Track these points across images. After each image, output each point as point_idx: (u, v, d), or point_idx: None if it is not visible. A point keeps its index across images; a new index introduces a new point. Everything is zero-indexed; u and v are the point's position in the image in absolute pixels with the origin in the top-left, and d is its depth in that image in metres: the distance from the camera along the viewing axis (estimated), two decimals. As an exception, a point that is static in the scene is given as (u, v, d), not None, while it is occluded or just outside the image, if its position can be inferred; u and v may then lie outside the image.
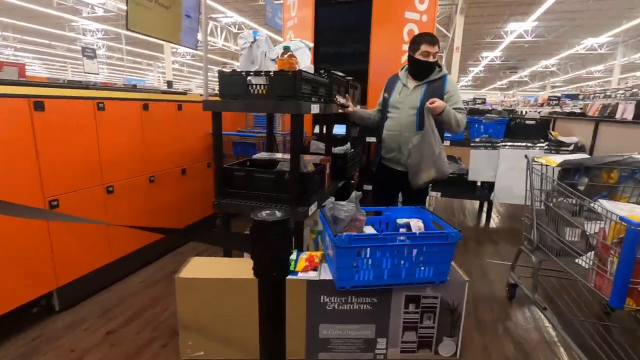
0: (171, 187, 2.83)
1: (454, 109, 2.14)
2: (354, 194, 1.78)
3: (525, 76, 24.29)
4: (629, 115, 6.45)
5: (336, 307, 1.64)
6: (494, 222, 4.03)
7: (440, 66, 2.19)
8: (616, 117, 6.76)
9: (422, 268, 1.58)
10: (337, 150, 2.74)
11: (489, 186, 3.86)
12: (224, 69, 2.11)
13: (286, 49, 1.93)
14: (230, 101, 1.92)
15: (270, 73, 1.83)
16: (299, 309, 1.65)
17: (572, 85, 24.85)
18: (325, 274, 1.66)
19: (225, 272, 1.66)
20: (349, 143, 2.88)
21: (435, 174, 2.05)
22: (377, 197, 2.57)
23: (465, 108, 2.28)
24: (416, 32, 3.67)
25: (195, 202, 3.13)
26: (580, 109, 8.97)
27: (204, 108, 1.94)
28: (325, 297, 1.63)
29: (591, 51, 15.75)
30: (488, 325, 2.03)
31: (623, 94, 10.04)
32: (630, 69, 18.25)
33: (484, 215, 4.17)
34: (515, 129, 3.82)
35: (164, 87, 11.09)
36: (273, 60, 2.03)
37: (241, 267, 1.69)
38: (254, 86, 1.87)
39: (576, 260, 1.77)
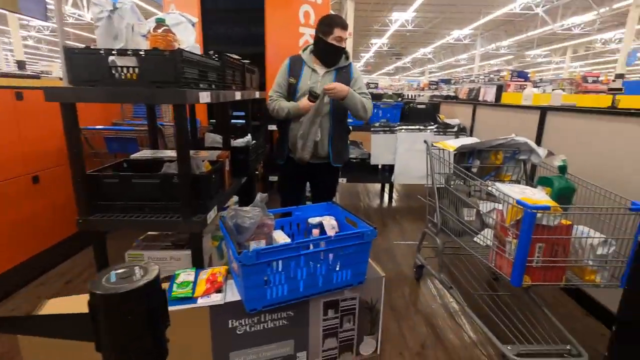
0: (15, 201, 2.16)
1: (360, 94, 2.06)
2: (258, 196, 1.55)
3: (408, 62, 26.78)
4: (490, 97, 7.56)
5: (248, 329, 1.42)
6: (395, 202, 4.25)
7: (347, 53, 2.11)
8: (479, 99, 7.87)
9: (340, 272, 1.45)
10: (237, 143, 2.44)
11: (389, 169, 4.03)
12: (76, 46, 1.60)
13: (160, 22, 1.55)
14: (87, 89, 1.47)
15: (142, 52, 1.44)
16: (202, 341, 1.37)
17: (444, 71, 28.38)
18: (232, 294, 1.41)
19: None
20: (249, 134, 2.60)
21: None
22: (284, 191, 2.39)
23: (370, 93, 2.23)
24: (312, 14, 3.52)
25: (55, 219, 2.47)
26: (453, 92, 10.23)
27: (47, 98, 1.44)
28: (234, 321, 1.39)
29: (458, 41, 18.05)
30: (402, 311, 2.06)
31: (483, 79, 11.87)
32: (487, 57, 21.60)
33: (386, 196, 4.37)
34: (409, 112, 4.03)
35: (11, 69, 8.83)
36: (144, 36, 1.62)
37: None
38: (120, 69, 1.46)
39: (474, 239, 1.88)
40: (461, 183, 2.07)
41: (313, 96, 1.98)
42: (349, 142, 2.32)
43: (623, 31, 11.09)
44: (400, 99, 4.77)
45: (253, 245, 1.50)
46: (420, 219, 3.54)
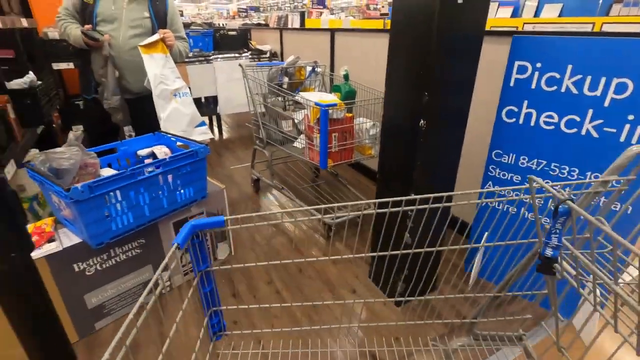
0: None
1: (178, 37, 1.97)
2: (71, 134, 1.43)
3: (213, -13, 24.60)
4: (297, 24, 8.11)
5: (99, 267, 1.42)
6: (227, 133, 4.37)
7: None
8: (289, 26, 8.35)
9: (182, 191, 1.58)
10: (15, 84, 1.99)
11: (213, 100, 4.03)
12: None
13: None
14: None
15: None
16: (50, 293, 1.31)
17: (252, -2, 27.58)
18: (68, 239, 1.36)
19: None
20: (31, 72, 2.14)
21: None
22: (93, 139, 2.16)
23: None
24: None
25: None
26: (264, 20, 10.35)
27: None
28: (80, 263, 1.37)
29: (260, -35, 17.56)
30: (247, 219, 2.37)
31: (289, 6, 12.39)
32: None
33: (216, 130, 4.41)
34: (222, 40, 4.00)
35: None
36: None
37: None
38: None
39: (294, 144, 2.27)
40: (277, 99, 2.38)
41: (89, 37, 1.70)
42: None
43: (389, -37, 13.16)
44: (209, 27, 4.61)
45: (80, 187, 1.43)
46: (252, 145, 3.83)
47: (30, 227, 1.36)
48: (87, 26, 1.75)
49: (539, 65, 1.35)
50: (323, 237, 2.13)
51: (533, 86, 1.38)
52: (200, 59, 3.75)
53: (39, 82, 2.18)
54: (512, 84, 1.43)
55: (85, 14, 1.78)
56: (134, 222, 1.42)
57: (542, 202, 1.33)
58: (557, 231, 0.66)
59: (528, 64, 1.37)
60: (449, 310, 1.61)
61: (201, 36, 3.90)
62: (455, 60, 1.24)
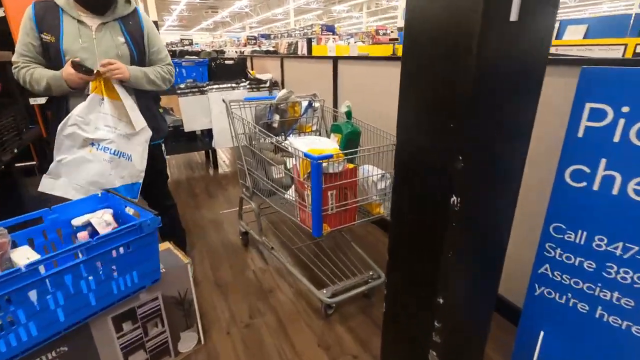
0: None
1: (159, 59, 1.62)
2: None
3: (227, 17, 25.31)
4: (304, 51, 7.93)
5: (-8, 396, 1.00)
6: (222, 168, 4.01)
7: None
8: (298, 52, 8.18)
9: (121, 278, 1.16)
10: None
11: (209, 133, 3.71)
12: None
13: None
14: None
15: None
16: None
17: (265, 26, 28.25)
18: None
19: None
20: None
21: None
22: None
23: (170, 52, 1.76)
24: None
25: None
26: (273, 47, 10.27)
27: None
28: (-41, 396, 0.95)
29: (271, -6, 17.97)
30: (229, 285, 1.94)
31: (299, 33, 12.38)
32: (300, 12, 22.45)
33: (211, 165, 4.07)
34: (217, 70, 3.71)
35: None
36: None
37: None
38: None
39: (285, 196, 1.86)
40: (264, 140, 1.99)
41: (83, 70, 1.36)
42: (161, 110, 1.87)
43: (399, -11, 13.17)
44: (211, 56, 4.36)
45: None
46: (248, 181, 3.46)
47: None
48: (75, 58, 1.39)
49: (626, 109, 0.91)
50: (320, 317, 1.67)
51: (616, 139, 0.94)
52: (193, 89, 3.45)
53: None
54: (580, 134, 1.00)
55: (49, 54, 1.43)
56: (39, 335, 1.00)
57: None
58: None
59: (608, 108, 0.94)
60: None
61: (195, 66, 3.62)
62: (505, 106, 0.82)
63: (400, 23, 12.58)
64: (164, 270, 1.33)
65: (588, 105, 0.96)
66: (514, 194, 0.98)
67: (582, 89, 0.96)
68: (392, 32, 8.52)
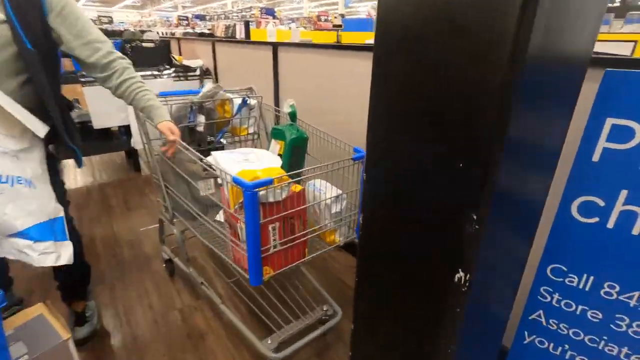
0: None
1: (86, 44, 1.12)
2: None
3: (156, -7, 23.01)
4: (242, 35, 7.30)
5: None
6: (146, 171, 3.42)
7: None
8: (236, 36, 7.51)
9: None
10: None
11: (126, 130, 3.11)
12: None
13: None
14: None
15: None
16: None
17: (199, 6, 26.20)
18: None
19: None
20: None
21: None
22: None
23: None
24: None
25: None
26: (209, 29, 9.38)
27: None
28: None
29: (205, -29, 16.55)
30: (146, 337, 1.52)
31: (237, 15, 11.57)
32: (238, -7, 21.11)
33: (132, 167, 3.45)
34: (134, 54, 3.09)
35: None
36: None
37: None
38: None
39: (217, 217, 1.48)
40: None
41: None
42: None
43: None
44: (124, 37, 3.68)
45: None
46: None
47: None
48: None
49: (661, 128, 0.69)
50: (264, 371, 1.34)
51: (644, 166, 0.72)
52: (103, 78, 2.82)
53: None
54: (596, 157, 0.77)
55: None
56: None
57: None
58: None
59: (636, 126, 0.71)
60: None
61: (104, 48, 2.97)
62: (544, 122, 0.54)
63: (342, 10, 12.33)
64: (27, 358, 0.90)
65: (610, 121, 0.73)
66: (524, 258, 0.73)
67: (603, 98, 0.73)
68: (335, 18, 8.20)
